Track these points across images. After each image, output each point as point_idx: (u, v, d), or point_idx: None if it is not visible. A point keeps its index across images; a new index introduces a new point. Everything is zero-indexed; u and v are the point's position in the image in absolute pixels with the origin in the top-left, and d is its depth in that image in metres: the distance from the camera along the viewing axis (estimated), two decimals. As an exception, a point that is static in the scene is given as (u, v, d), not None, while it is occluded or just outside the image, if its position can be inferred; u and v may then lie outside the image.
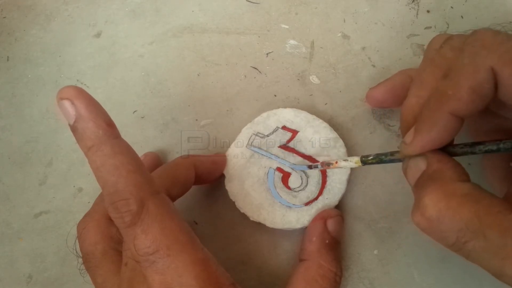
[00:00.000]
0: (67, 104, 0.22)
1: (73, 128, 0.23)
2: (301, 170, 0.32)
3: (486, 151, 0.23)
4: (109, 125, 0.23)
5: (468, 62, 0.22)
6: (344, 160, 0.28)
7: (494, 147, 0.23)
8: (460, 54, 0.23)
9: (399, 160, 0.26)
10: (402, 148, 0.24)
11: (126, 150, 0.23)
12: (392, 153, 0.26)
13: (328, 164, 0.29)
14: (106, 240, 0.27)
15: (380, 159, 0.26)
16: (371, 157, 0.26)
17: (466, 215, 0.19)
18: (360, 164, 0.27)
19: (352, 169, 0.31)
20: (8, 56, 0.41)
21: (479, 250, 0.19)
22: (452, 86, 0.22)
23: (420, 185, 0.23)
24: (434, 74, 0.25)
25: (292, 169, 0.32)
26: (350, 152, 0.32)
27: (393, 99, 0.31)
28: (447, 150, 0.24)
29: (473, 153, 0.23)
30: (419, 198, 0.21)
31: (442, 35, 0.26)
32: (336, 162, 0.28)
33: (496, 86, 0.21)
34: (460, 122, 0.22)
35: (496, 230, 0.19)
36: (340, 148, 0.32)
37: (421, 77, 0.25)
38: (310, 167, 0.31)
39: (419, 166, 0.23)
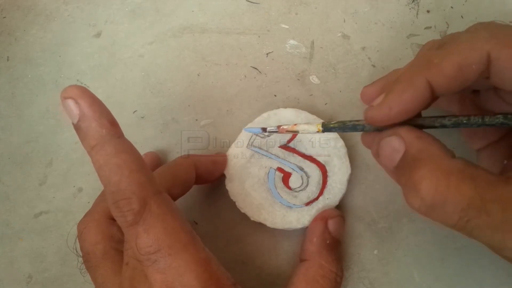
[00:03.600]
0: (71, 103, 0.22)
1: (77, 127, 0.23)
2: (297, 165, 0.32)
3: (453, 124, 0.23)
4: (113, 124, 0.23)
5: (466, 39, 0.22)
6: (305, 124, 0.27)
7: (465, 120, 0.23)
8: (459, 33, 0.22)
9: (362, 128, 0.25)
10: (367, 111, 0.23)
11: (129, 149, 0.23)
12: (357, 120, 0.25)
13: (285, 127, 0.27)
14: (106, 239, 0.27)
15: (343, 123, 0.25)
16: (334, 122, 0.26)
17: (468, 193, 0.19)
18: (321, 129, 0.26)
19: (352, 170, 0.31)
20: (8, 56, 0.41)
21: (483, 227, 0.19)
22: (440, 56, 0.22)
23: (406, 168, 0.21)
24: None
25: (284, 164, 0.32)
26: (350, 152, 0.32)
27: None
28: (413, 122, 0.23)
29: (443, 126, 0.23)
30: (413, 182, 0.20)
31: (435, 40, 0.26)
32: (295, 125, 0.27)
33: (483, 73, 0.21)
34: (432, 95, 0.22)
35: (498, 204, 0.18)
36: (340, 148, 0.32)
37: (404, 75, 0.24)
38: (264, 130, 0.29)
39: (393, 146, 0.22)
